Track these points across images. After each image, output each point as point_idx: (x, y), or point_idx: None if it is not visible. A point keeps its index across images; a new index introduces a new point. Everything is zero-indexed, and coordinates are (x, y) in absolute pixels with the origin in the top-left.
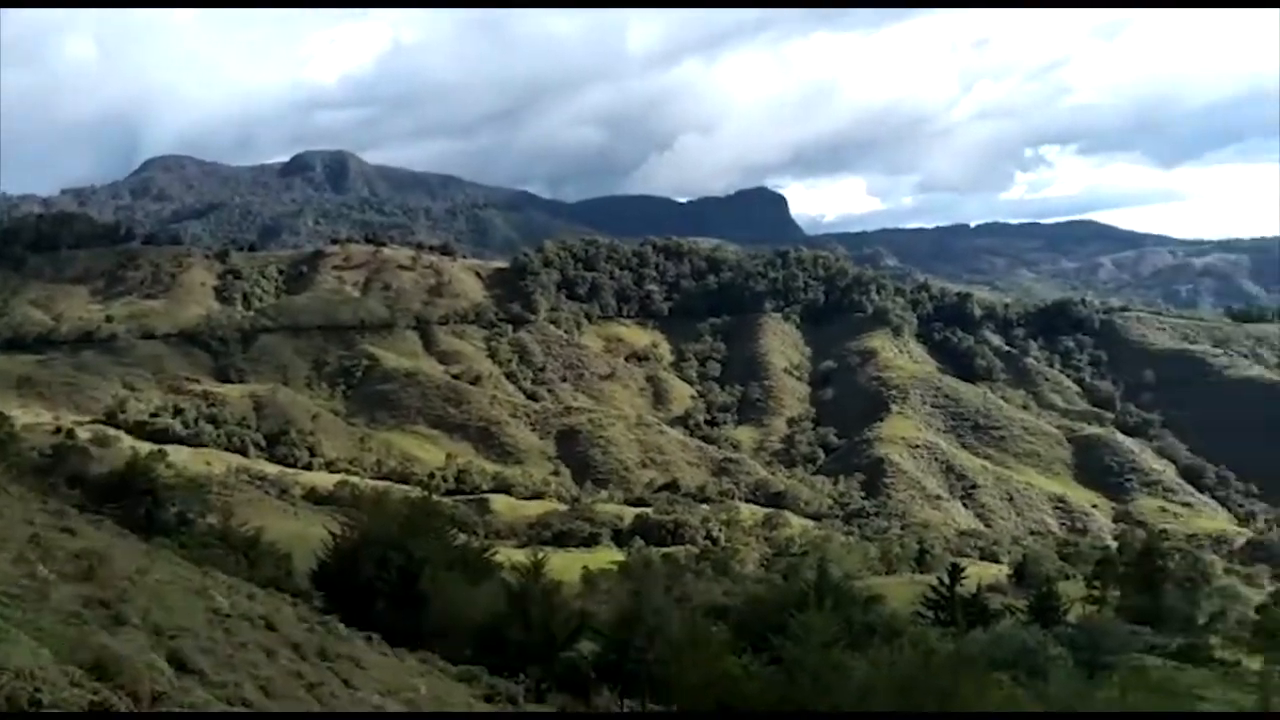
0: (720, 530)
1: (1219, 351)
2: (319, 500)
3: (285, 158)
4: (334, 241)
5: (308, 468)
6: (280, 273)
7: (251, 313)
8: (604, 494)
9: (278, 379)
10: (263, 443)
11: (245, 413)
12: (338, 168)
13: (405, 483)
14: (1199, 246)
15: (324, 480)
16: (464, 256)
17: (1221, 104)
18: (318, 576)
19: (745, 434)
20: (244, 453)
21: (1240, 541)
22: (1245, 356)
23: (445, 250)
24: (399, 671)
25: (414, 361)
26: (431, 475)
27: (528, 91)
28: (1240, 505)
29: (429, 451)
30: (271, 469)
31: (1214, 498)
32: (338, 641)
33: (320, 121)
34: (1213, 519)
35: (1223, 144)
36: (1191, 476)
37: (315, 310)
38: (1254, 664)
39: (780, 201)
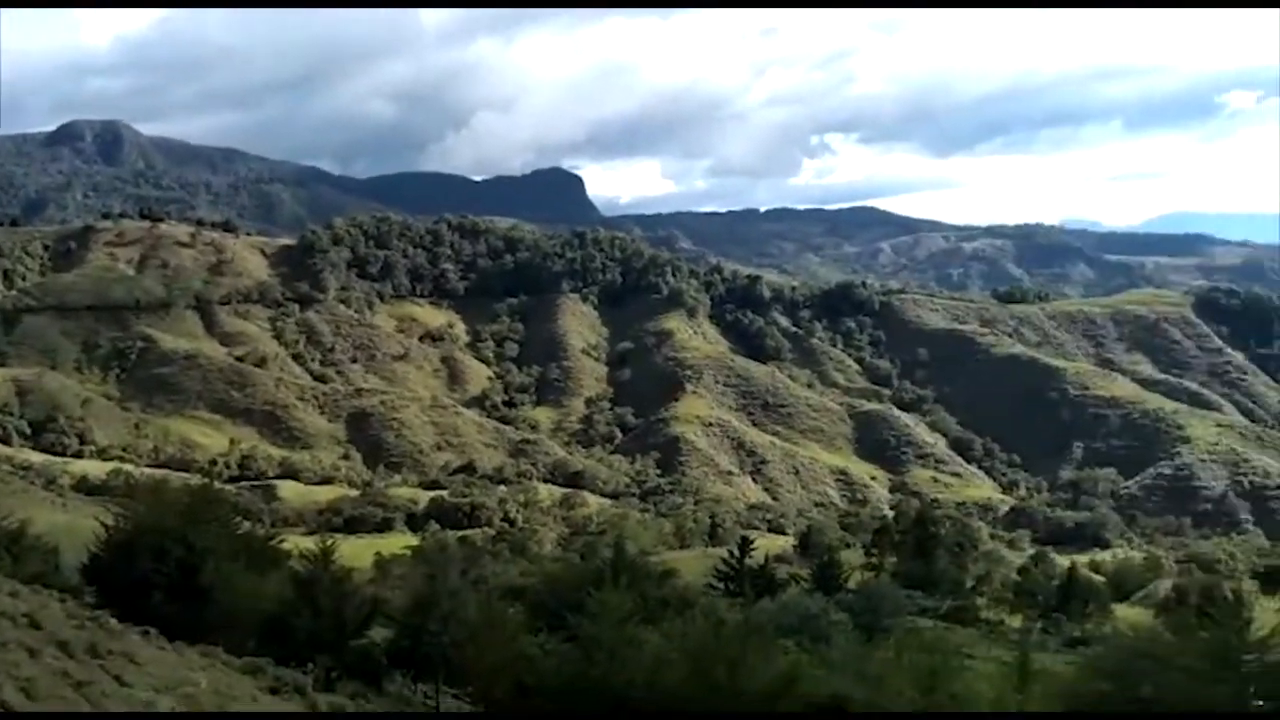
0: (518, 511)
1: (986, 331)
2: (90, 490)
3: (51, 126)
4: (106, 216)
5: (78, 456)
6: (46, 249)
7: (14, 292)
8: (397, 478)
9: (44, 362)
10: (27, 430)
11: (7, 398)
12: (110, 138)
13: (185, 470)
14: (969, 232)
15: (96, 469)
16: (248, 233)
17: (989, 98)
18: (89, 571)
19: (543, 414)
20: (6, 441)
21: (1004, 509)
22: (1009, 335)
23: (227, 227)
24: (178, 666)
25: (194, 343)
26: (213, 462)
27: (317, 62)
28: (1004, 475)
29: (210, 437)
30: (37, 458)
31: (980, 468)
32: (110, 638)
33: (91, 88)
34: (980, 488)
35: (990, 136)
36: (960, 448)
37: (85, 289)
38: (1015, 622)
39: (577, 182)
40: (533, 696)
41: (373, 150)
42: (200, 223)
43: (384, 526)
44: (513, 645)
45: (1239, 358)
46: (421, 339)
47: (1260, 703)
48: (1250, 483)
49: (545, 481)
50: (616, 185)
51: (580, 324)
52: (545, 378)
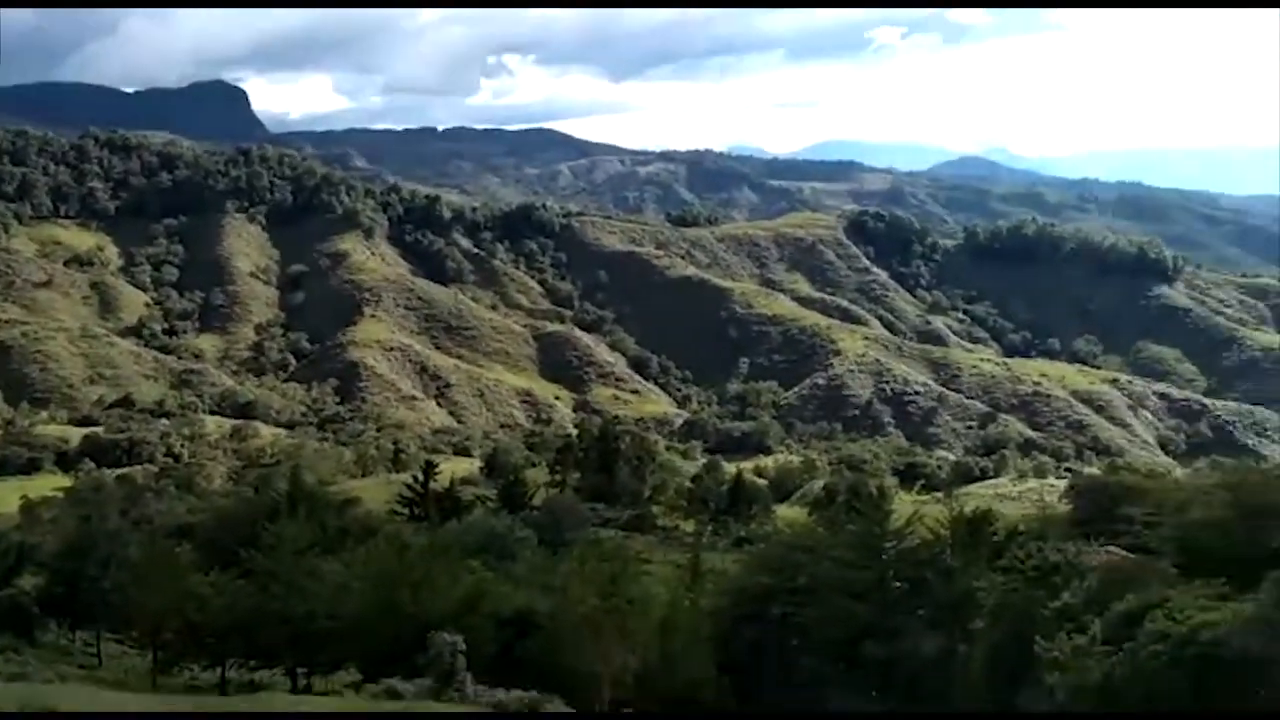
0: (183, 446)
1: (661, 253)
2: None
3: None
4: None
5: None
6: None
7: None
8: (44, 415)
9: None
10: None
11: None
12: None
13: None
14: (643, 156)
15: None
16: None
17: (660, 25)
18: None
19: (208, 342)
20: None
21: (679, 422)
22: (682, 258)
23: None
24: None
25: None
26: None
27: None
28: (678, 390)
29: None
30: None
31: (657, 384)
32: None
33: None
34: (656, 404)
35: (662, 61)
36: (639, 367)
37: None
38: (689, 527)
39: (240, 96)
40: (203, 634)
41: (6, 58)
42: None
43: (31, 468)
44: (180, 584)
45: (883, 276)
46: (68, 264)
47: (899, 584)
48: (892, 390)
49: (213, 413)
50: (285, 101)
51: (247, 246)
52: (209, 303)
